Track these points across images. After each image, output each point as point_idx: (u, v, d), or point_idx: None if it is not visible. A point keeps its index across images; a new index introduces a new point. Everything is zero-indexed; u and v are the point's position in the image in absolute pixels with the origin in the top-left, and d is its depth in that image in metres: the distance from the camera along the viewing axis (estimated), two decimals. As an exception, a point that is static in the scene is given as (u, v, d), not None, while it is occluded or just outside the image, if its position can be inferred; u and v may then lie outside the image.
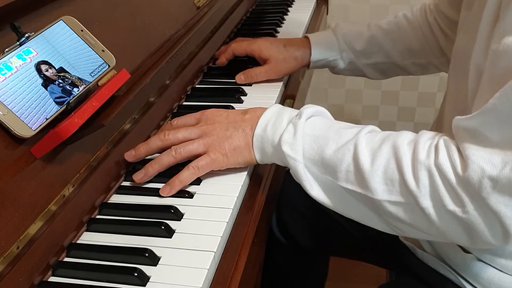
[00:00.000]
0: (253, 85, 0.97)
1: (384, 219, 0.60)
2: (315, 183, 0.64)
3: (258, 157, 0.68)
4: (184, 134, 0.69)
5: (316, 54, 0.99)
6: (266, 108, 0.70)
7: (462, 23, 0.72)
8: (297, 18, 1.33)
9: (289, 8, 1.39)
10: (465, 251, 0.70)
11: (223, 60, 1.01)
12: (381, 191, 0.57)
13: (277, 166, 0.77)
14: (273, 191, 0.76)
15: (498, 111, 0.51)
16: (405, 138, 0.59)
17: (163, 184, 0.67)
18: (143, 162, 0.75)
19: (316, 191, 0.64)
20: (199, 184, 0.68)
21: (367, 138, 0.61)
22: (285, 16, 1.33)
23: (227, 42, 1.15)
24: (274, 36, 1.21)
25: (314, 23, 1.32)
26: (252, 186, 0.71)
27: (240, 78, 0.96)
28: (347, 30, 0.99)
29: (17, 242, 0.52)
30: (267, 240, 0.76)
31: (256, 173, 0.73)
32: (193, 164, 0.66)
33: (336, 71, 1.04)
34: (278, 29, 1.25)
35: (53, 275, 0.56)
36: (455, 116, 0.57)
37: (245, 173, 0.70)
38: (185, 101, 0.92)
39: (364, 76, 1.04)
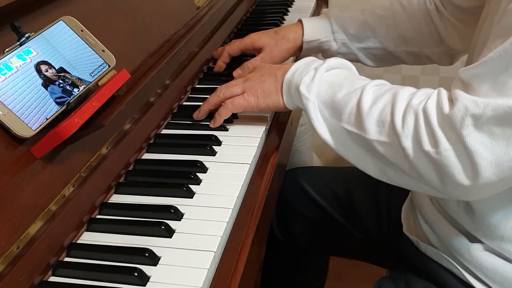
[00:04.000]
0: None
1: (376, 162, 0.64)
2: (323, 124, 0.69)
3: (285, 100, 0.75)
4: (232, 82, 0.81)
5: (309, 34, 0.99)
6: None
7: (485, 13, 0.71)
8: (297, 18, 1.32)
9: (289, 8, 1.39)
10: (471, 240, 0.70)
11: (220, 64, 1.01)
12: (373, 131, 0.62)
13: (277, 166, 0.77)
14: (273, 191, 0.76)
15: (494, 64, 0.53)
16: (408, 89, 0.63)
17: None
18: (143, 162, 0.75)
19: (323, 131, 0.69)
20: (199, 184, 0.68)
21: (376, 87, 0.65)
22: (285, 16, 1.33)
23: (227, 42, 1.15)
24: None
25: (314, 23, 1.32)
26: (252, 186, 0.71)
27: (237, 72, 0.96)
28: (340, 14, 1.00)
29: (17, 242, 0.52)
30: (267, 240, 0.76)
31: (257, 173, 0.73)
32: (229, 100, 0.78)
33: (330, 54, 1.03)
34: (278, 29, 1.25)
35: (53, 275, 0.56)
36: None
37: (245, 173, 0.70)
38: (185, 101, 0.92)
39: (358, 61, 1.03)
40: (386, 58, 1.02)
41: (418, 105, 0.59)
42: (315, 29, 1.00)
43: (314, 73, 0.70)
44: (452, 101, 0.57)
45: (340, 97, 0.67)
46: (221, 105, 0.80)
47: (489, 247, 0.68)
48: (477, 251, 0.69)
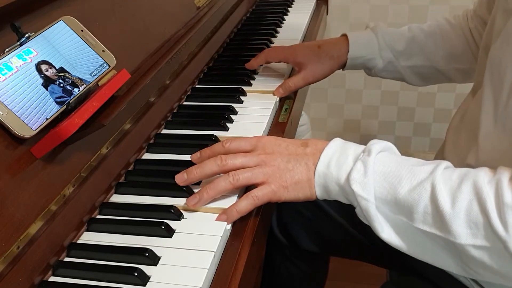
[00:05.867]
0: (253, 85, 0.97)
1: (465, 263, 0.57)
2: (386, 224, 0.60)
3: (319, 193, 0.65)
4: (242, 161, 0.65)
5: (355, 51, 0.95)
6: (328, 142, 0.66)
7: (498, 30, 0.69)
8: (297, 18, 1.33)
9: (289, 8, 1.39)
10: None
11: (253, 64, 0.98)
12: (465, 235, 0.54)
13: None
14: (273, 191, 0.76)
15: None
16: (485, 176, 0.55)
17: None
18: (143, 162, 0.75)
19: (387, 233, 0.60)
20: (199, 184, 0.68)
21: (444, 176, 0.57)
22: (285, 16, 1.34)
23: (227, 42, 1.16)
24: (274, 36, 1.21)
25: (314, 23, 1.32)
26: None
27: (278, 92, 0.93)
28: (387, 30, 0.97)
29: (17, 242, 0.52)
30: (267, 240, 0.75)
31: (256, 173, 0.73)
32: (253, 193, 0.63)
33: (374, 72, 1.00)
34: (278, 29, 1.25)
35: (54, 275, 0.56)
36: (495, 127, 0.56)
37: (245, 173, 0.70)
38: (185, 101, 0.92)
39: (403, 80, 1.00)
40: (434, 76, 0.98)
41: None
42: (360, 46, 0.96)
43: (363, 167, 0.60)
44: None
45: (404, 193, 0.57)
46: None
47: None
48: None
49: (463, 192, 0.55)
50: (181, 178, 0.66)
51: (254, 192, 0.64)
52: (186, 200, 0.65)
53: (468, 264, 0.56)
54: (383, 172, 0.60)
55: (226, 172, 0.65)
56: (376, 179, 0.59)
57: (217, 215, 0.63)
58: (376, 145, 0.62)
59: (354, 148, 0.64)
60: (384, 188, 0.59)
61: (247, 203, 0.63)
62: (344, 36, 0.98)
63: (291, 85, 0.93)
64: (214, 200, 0.64)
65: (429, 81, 1.01)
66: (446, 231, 0.55)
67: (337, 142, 0.66)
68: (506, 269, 0.54)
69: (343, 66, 0.99)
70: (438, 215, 0.55)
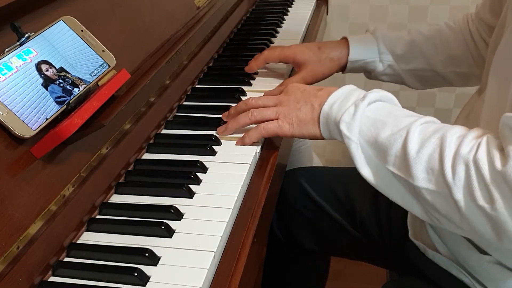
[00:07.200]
0: (253, 84, 0.97)
1: (424, 206, 0.62)
2: (366, 164, 0.66)
3: (323, 132, 0.72)
4: (263, 101, 0.77)
5: (355, 54, 0.96)
6: (339, 88, 0.72)
7: (506, 27, 0.70)
8: (297, 18, 1.33)
9: (289, 8, 1.39)
10: (482, 252, 0.69)
11: (253, 67, 0.98)
12: (422, 178, 0.59)
13: (277, 166, 0.77)
14: (273, 191, 0.76)
15: None
16: (455, 132, 0.60)
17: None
18: (143, 162, 0.75)
19: (366, 171, 0.66)
20: (199, 184, 0.68)
21: (421, 127, 0.62)
22: (285, 16, 1.33)
23: (227, 42, 1.16)
24: (274, 36, 1.21)
25: (314, 23, 1.32)
26: (252, 185, 0.71)
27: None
28: (387, 33, 0.97)
29: (17, 242, 0.52)
30: (267, 240, 0.76)
31: (257, 173, 0.73)
32: (263, 125, 0.74)
33: (374, 75, 1.01)
34: (278, 29, 1.25)
35: (53, 275, 0.56)
36: (501, 117, 0.56)
37: (245, 173, 0.70)
38: (185, 101, 0.92)
39: (403, 83, 1.01)
40: (433, 80, 0.99)
41: (468, 155, 0.56)
42: (361, 49, 0.96)
43: (354, 110, 0.66)
44: (504, 154, 0.54)
45: (384, 137, 0.63)
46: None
47: (501, 261, 0.67)
48: (489, 264, 0.68)
49: (431, 142, 0.60)
50: (221, 130, 0.79)
51: (263, 125, 0.75)
52: (217, 129, 0.79)
53: (426, 207, 0.62)
54: (373, 118, 0.65)
55: (256, 122, 0.76)
56: (364, 122, 0.65)
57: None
58: (374, 93, 0.68)
59: (358, 94, 0.70)
60: (370, 131, 0.65)
61: (256, 132, 0.75)
62: (344, 39, 0.98)
63: (288, 85, 0.93)
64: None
65: (429, 84, 1.01)
66: (408, 174, 0.60)
67: (346, 88, 0.72)
68: (451, 215, 0.59)
69: (343, 69, 0.99)
70: (405, 159, 0.61)
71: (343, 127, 0.66)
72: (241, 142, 0.76)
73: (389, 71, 0.99)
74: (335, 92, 0.71)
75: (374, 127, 0.65)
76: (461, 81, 0.98)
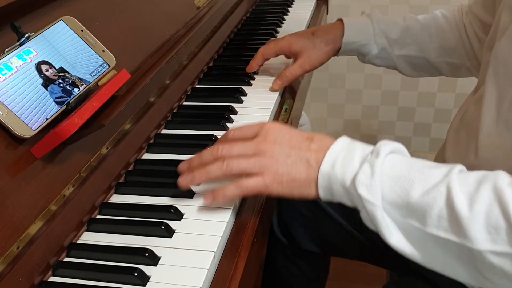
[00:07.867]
0: (253, 84, 0.97)
1: (479, 271, 0.53)
2: (395, 229, 0.57)
3: (322, 195, 0.61)
4: (239, 150, 0.62)
5: (349, 36, 0.94)
6: (334, 140, 0.62)
7: (503, 28, 0.68)
8: (297, 18, 1.33)
9: (289, 8, 1.39)
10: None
11: (252, 65, 0.97)
12: (483, 240, 0.50)
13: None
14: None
15: None
16: (504, 179, 0.52)
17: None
18: (143, 162, 0.75)
19: (395, 238, 0.57)
20: (199, 184, 0.68)
21: (460, 179, 0.54)
22: (285, 16, 1.34)
23: (227, 42, 1.16)
24: (274, 36, 1.21)
25: (314, 23, 1.32)
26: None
27: (276, 83, 0.93)
28: (382, 17, 0.96)
29: (17, 242, 0.52)
30: (267, 240, 0.76)
31: (256, 173, 0.73)
32: (243, 183, 0.60)
33: (368, 58, 0.99)
34: (278, 29, 1.25)
35: (53, 275, 0.56)
36: (497, 125, 0.54)
37: (245, 173, 0.70)
38: (185, 101, 0.92)
39: (395, 69, 1.00)
40: (425, 68, 0.98)
41: None
42: (356, 31, 0.95)
43: (370, 169, 0.56)
44: None
45: (416, 196, 0.54)
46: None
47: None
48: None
49: (482, 195, 0.51)
50: (182, 182, 0.64)
51: (245, 182, 0.60)
52: (178, 179, 0.63)
53: (483, 272, 0.53)
54: (394, 176, 0.56)
55: (230, 175, 0.62)
56: (385, 182, 0.56)
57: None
58: (385, 146, 0.58)
59: (361, 149, 0.60)
60: (394, 192, 0.55)
61: (235, 190, 0.61)
62: (340, 20, 0.97)
63: (287, 74, 0.93)
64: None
65: (420, 71, 1.01)
66: (462, 237, 0.51)
67: (343, 141, 0.62)
68: None
69: (337, 51, 0.98)
70: (454, 220, 0.52)
71: (362, 191, 0.56)
72: (211, 198, 0.62)
73: (383, 55, 0.97)
74: (332, 146, 0.61)
75: (400, 187, 0.55)
76: (451, 71, 0.97)
